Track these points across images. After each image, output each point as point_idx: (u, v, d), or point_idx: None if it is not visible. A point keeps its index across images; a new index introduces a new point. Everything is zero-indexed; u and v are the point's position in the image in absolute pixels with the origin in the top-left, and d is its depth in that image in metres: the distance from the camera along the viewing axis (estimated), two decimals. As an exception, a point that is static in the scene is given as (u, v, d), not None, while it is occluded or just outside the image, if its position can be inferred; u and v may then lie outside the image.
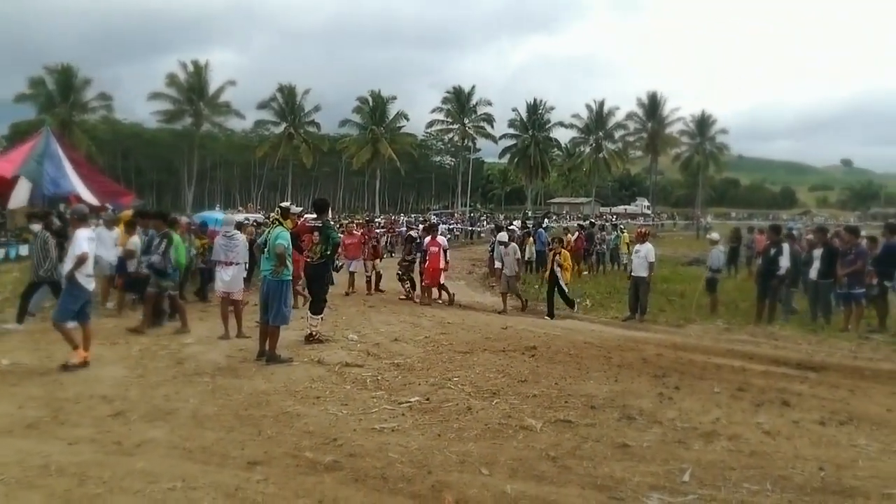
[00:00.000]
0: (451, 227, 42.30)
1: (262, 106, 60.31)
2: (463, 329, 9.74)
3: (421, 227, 18.38)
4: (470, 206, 71.83)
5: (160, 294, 8.89)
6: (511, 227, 20.92)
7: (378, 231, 17.64)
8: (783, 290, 11.57)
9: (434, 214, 52.37)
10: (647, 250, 11.89)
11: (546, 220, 40.67)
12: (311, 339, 8.22)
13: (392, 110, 61.62)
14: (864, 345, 9.20)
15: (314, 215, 8.78)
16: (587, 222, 25.61)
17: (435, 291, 13.39)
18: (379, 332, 9.29)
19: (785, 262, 11.24)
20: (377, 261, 14.53)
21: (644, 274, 11.73)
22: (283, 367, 6.89)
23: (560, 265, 12.45)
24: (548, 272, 12.87)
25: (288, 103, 60.00)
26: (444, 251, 13.07)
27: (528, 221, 28.75)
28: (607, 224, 29.24)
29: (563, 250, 12.99)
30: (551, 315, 12.09)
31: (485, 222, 43.87)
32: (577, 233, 20.73)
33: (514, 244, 13.90)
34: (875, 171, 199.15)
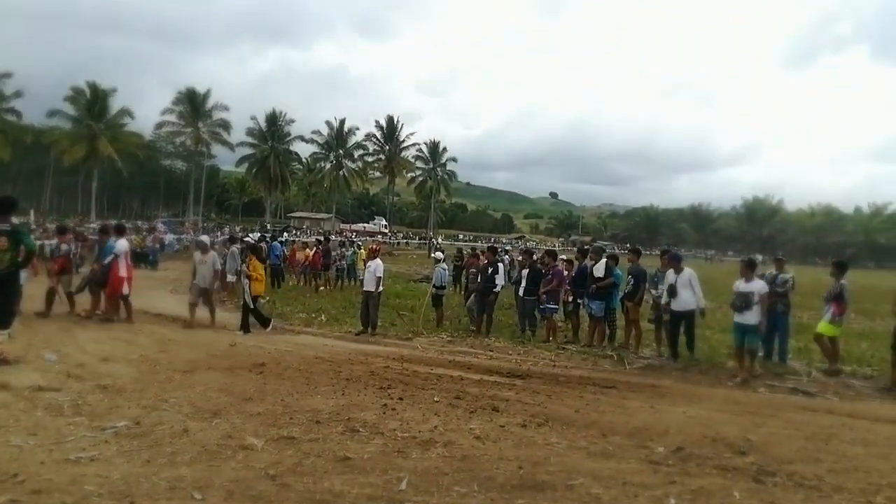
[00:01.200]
0: (181, 237, 39.63)
1: (-59, 86, 50.48)
2: (186, 346, 9.08)
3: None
4: (203, 215, 67.82)
5: None
6: (246, 238, 20.29)
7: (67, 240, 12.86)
8: (477, 305, 12.76)
9: (162, 222, 48.46)
10: (376, 266, 12.31)
11: (286, 233, 40.05)
12: (-7, 359, 6.99)
13: (114, 105, 55.74)
14: (562, 354, 10.53)
15: None
16: (324, 238, 25.84)
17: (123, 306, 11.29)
18: (85, 350, 8.24)
19: (500, 280, 12.51)
20: (60, 277, 11.43)
21: (373, 289, 12.09)
22: (-48, 395, 5.75)
23: (248, 276, 11.54)
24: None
25: (-22, 85, 51.02)
26: (125, 257, 11.15)
27: (266, 234, 28.02)
28: (346, 241, 29.77)
29: (253, 260, 11.90)
30: (243, 329, 11.32)
31: (219, 233, 41.73)
32: (314, 248, 20.83)
33: (213, 253, 12.54)
34: (575, 203, 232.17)
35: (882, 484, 4.63)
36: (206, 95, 60.12)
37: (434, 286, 13.64)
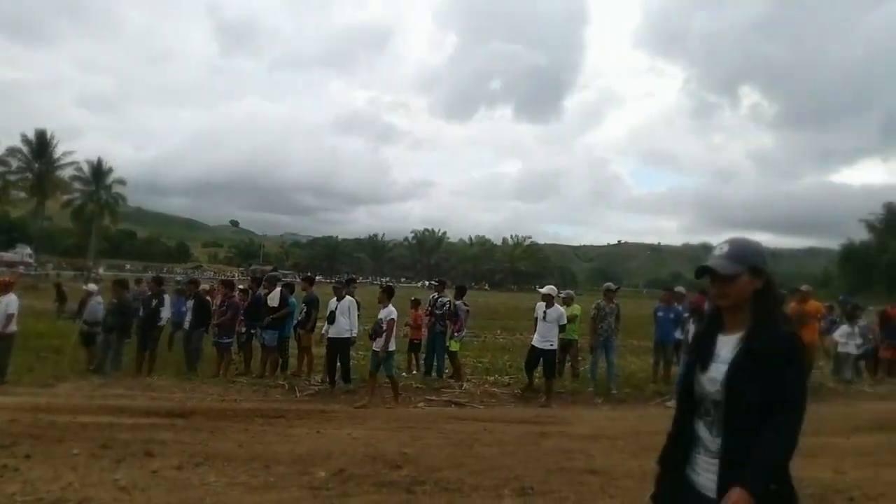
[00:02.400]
0: None
1: None
2: None
3: None
4: None
5: None
6: None
7: None
8: (121, 341, 11.32)
9: None
10: (7, 301, 10.41)
11: None
12: None
13: None
14: (232, 388, 10.10)
15: None
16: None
17: None
18: None
19: (166, 313, 11.60)
20: None
21: (1, 329, 10.18)
22: None
23: None
24: None
25: None
26: None
27: None
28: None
29: None
30: None
31: None
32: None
33: None
34: (257, 232, 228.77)
35: (510, 478, 5.33)
36: None
37: (85, 322, 12.04)
